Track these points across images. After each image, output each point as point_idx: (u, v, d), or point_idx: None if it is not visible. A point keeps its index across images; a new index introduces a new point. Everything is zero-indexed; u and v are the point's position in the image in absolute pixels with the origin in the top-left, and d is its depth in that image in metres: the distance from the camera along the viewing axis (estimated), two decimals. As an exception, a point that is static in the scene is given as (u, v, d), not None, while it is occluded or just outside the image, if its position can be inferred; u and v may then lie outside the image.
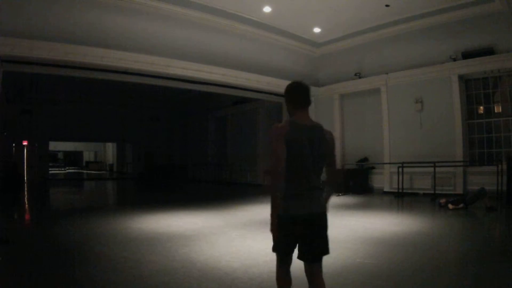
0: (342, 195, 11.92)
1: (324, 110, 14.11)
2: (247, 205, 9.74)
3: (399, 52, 12.09)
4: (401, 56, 12.02)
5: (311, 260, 2.55)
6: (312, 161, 2.47)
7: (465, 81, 10.91)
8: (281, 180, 2.50)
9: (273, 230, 2.54)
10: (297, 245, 2.54)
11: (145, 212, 8.36)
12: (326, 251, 2.57)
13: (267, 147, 2.44)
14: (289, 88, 2.55)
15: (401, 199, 10.50)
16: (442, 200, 8.80)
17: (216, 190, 16.17)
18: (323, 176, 2.63)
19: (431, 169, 10.37)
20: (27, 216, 8.86)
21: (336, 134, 13.62)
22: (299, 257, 2.56)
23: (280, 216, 2.52)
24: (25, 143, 18.98)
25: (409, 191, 11.19)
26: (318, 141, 2.45)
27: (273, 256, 2.79)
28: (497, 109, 10.56)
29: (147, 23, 9.77)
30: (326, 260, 4.32)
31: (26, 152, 19.10)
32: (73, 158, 46.70)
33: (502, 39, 9.88)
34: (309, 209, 2.50)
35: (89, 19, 8.82)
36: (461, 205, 8.32)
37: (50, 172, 25.46)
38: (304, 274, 2.69)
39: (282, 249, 2.59)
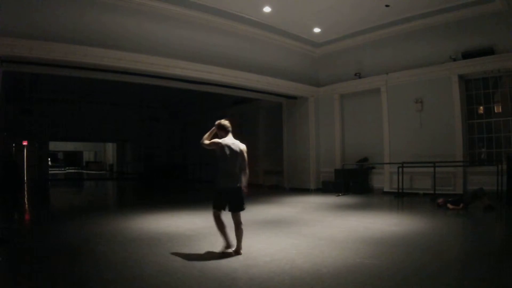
0: (342, 195, 11.92)
1: (324, 110, 14.12)
2: (247, 205, 9.71)
3: (399, 52, 12.09)
4: (401, 56, 12.02)
5: (233, 211, 4.69)
6: (232, 160, 4.62)
7: (465, 81, 10.91)
8: (204, 140, 4.76)
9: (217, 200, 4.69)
10: (226, 204, 4.64)
11: (145, 212, 8.36)
12: (241, 208, 4.71)
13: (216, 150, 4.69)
14: (221, 124, 4.83)
15: (401, 199, 10.50)
16: (440, 200, 8.79)
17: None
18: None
19: (431, 169, 10.37)
20: (27, 216, 8.86)
21: (336, 134, 13.67)
22: (228, 210, 4.68)
23: (216, 188, 4.67)
24: (25, 143, 18.96)
25: (409, 191, 11.19)
26: (236, 150, 4.67)
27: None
28: (497, 109, 10.56)
29: (147, 23, 9.77)
30: (326, 260, 4.35)
31: (26, 152, 19.08)
32: (73, 158, 46.67)
33: (502, 39, 9.88)
34: (230, 184, 4.62)
35: (89, 19, 8.83)
36: (461, 205, 8.32)
37: (50, 172, 25.44)
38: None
39: (217, 206, 4.70)
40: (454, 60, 10.75)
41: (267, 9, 10.85)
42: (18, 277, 3.99)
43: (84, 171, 37.74)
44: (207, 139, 4.71)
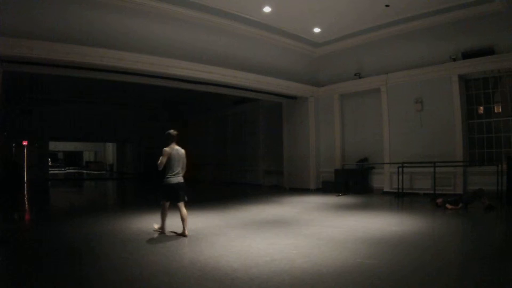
0: (342, 195, 11.92)
1: (324, 110, 14.12)
2: (247, 205, 9.74)
3: (399, 52, 12.09)
4: (401, 56, 12.02)
5: (179, 201, 5.96)
6: (177, 162, 6.00)
7: (465, 81, 10.91)
8: (161, 167, 5.92)
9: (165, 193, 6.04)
10: (174, 196, 5.97)
11: (145, 212, 8.36)
12: (183, 199, 6.02)
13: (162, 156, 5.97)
14: (170, 134, 6.12)
15: (401, 199, 10.50)
16: (439, 200, 8.79)
17: (216, 190, 16.17)
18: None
19: (431, 169, 10.37)
20: (27, 216, 8.85)
21: (336, 134, 13.68)
22: (174, 201, 5.97)
23: (166, 184, 5.96)
24: (25, 143, 18.97)
25: (409, 191, 11.19)
26: (179, 154, 6.04)
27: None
28: (497, 109, 10.56)
29: (148, 23, 9.77)
30: (326, 260, 4.35)
31: (26, 152, 19.09)
32: (73, 158, 46.66)
33: (502, 39, 9.88)
34: (178, 180, 5.98)
35: (89, 19, 8.83)
36: (460, 205, 8.32)
37: (50, 172, 25.44)
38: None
39: (166, 197, 6.02)
40: (454, 60, 10.75)
41: (267, 9, 10.85)
42: (18, 277, 3.99)
43: (84, 171, 37.72)
44: (161, 162, 5.91)
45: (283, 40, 12.98)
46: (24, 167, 18.75)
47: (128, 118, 23.98)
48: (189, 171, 6.26)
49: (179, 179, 6.02)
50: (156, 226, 6.23)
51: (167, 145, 6.01)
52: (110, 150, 36.85)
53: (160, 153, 6.00)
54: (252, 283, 3.63)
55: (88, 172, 36.23)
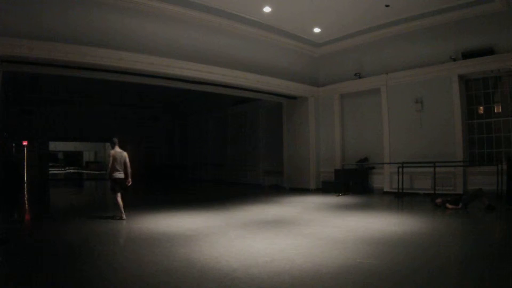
0: (342, 195, 11.92)
1: (324, 110, 14.12)
2: (247, 205, 9.74)
3: (399, 52, 12.09)
4: (401, 56, 12.02)
5: (123, 191, 7.65)
6: (119, 162, 7.64)
7: (465, 81, 10.91)
8: (111, 169, 7.60)
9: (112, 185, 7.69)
10: (117, 188, 7.55)
11: (145, 212, 8.36)
12: (126, 189, 7.78)
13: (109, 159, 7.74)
14: (113, 140, 7.82)
15: (401, 199, 10.49)
16: (438, 200, 8.79)
17: (216, 190, 16.17)
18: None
19: (431, 169, 10.36)
20: (27, 216, 8.85)
21: (336, 134, 13.68)
22: (118, 191, 7.54)
23: (113, 178, 7.59)
24: (25, 143, 18.97)
25: (409, 191, 11.19)
26: (121, 156, 7.72)
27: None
28: (497, 109, 10.56)
29: (147, 23, 9.77)
30: (326, 260, 4.35)
31: (26, 152, 19.09)
32: (73, 158, 46.63)
33: (502, 39, 9.89)
34: (118, 176, 7.61)
35: (89, 19, 8.83)
36: (460, 205, 8.32)
37: (50, 172, 25.43)
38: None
39: (114, 190, 7.58)
40: (454, 60, 10.75)
41: (267, 9, 10.85)
42: (18, 277, 3.99)
43: (84, 171, 37.70)
44: (111, 164, 7.61)
45: (283, 40, 12.98)
46: (24, 167, 18.76)
47: (128, 118, 23.96)
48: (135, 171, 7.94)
49: (121, 175, 7.67)
50: (120, 216, 7.48)
51: (112, 149, 7.76)
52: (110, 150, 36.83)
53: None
54: (252, 283, 3.63)
55: (88, 172, 36.21)
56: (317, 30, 12.63)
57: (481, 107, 10.78)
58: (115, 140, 7.87)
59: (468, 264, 4.39)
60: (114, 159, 7.61)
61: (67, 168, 43.65)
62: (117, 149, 7.75)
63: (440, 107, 11.00)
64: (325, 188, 13.25)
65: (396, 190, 10.95)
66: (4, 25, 7.64)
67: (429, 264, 4.25)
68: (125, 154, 7.76)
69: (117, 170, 7.60)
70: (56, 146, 34.77)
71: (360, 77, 13.02)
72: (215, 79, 11.20)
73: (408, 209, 9.08)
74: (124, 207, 7.51)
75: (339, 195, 11.84)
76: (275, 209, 9.09)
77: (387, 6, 10.55)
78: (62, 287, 3.68)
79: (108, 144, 41.16)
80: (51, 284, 3.75)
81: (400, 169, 10.70)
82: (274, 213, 8.40)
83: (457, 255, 4.95)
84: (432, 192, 10.31)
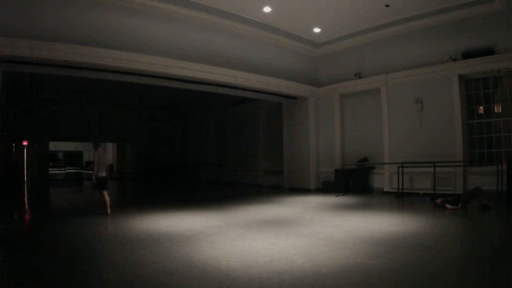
0: (342, 195, 11.92)
1: (324, 110, 14.12)
2: (247, 205, 9.74)
3: (399, 52, 12.09)
4: (401, 56, 12.02)
5: (102, 190, 8.23)
6: (103, 162, 8.57)
7: (465, 81, 10.91)
8: (97, 169, 8.32)
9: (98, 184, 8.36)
10: (100, 186, 8.33)
11: (145, 212, 8.37)
12: (106, 188, 8.30)
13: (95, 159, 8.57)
14: (98, 141, 8.71)
15: (401, 199, 10.50)
16: (438, 200, 8.80)
17: (216, 190, 16.17)
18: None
19: (431, 169, 10.36)
20: (27, 216, 8.86)
21: (336, 134, 13.68)
22: (101, 190, 8.26)
23: (99, 177, 8.25)
24: (25, 143, 18.97)
25: (409, 191, 11.18)
26: (105, 156, 8.84)
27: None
28: (497, 109, 10.56)
29: (147, 23, 9.77)
30: (326, 260, 4.35)
31: (26, 152, 19.09)
32: (73, 158, 46.66)
33: (502, 39, 9.88)
34: (101, 175, 8.28)
35: (89, 19, 8.82)
36: (460, 205, 8.32)
37: (50, 172, 25.43)
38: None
39: (100, 187, 8.26)
40: (454, 60, 10.75)
41: (267, 9, 10.85)
42: (18, 277, 3.99)
43: (84, 171, 37.71)
44: (96, 164, 8.39)
45: (283, 40, 12.97)
46: (24, 167, 18.75)
47: (128, 118, 23.98)
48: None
49: (103, 174, 8.40)
50: (106, 211, 8.00)
51: (95, 150, 8.49)
52: (110, 150, 36.86)
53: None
54: (252, 283, 3.63)
55: (88, 172, 36.21)
56: (317, 30, 12.62)
57: (481, 107, 10.78)
58: (99, 142, 8.72)
59: (468, 264, 4.40)
60: (99, 160, 8.38)
61: (67, 168, 43.67)
62: (100, 150, 8.52)
63: (440, 107, 11.00)
64: (325, 188, 13.25)
65: (396, 190, 10.95)
66: (4, 25, 7.63)
67: (429, 264, 4.25)
68: (106, 154, 8.92)
69: (102, 170, 8.35)
70: (56, 146, 34.80)
71: (360, 77, 13.02)
72: (215, 79, 11.19)
73: (408, 209, 9.07)
74: (113, 205, 8.30)
75: (339, 195, 11.84)
76: (275, 209, 9.09)
77: (387, 6, 10.55)
78: (62, 287, 3.68)
79: (108, 144, 40.90)
80: (51, 284, 3.75)
81: (400, 169, 10.70)
82: (274, 213, 8.40)
83: (457, 255, 4.95)
84: (432, 192, 10.32)
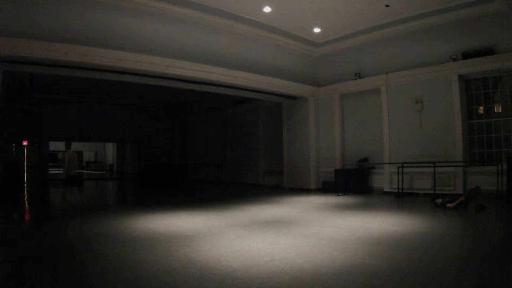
0: (342, 195, 11.92)
1: (324, 110, 14.12)
2: (247, 205, 9.74)
3: (399, 52, 12.09)
4: (401, 56, 12.02)
5: (78, 186, 10.57)
6: (73, 162, 9.81)
7: (465, 81, 10.91)
8: (68, 167, 9.74)
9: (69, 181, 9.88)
10: (71, 183, 9.88)
11: (145, 212, 8.36)
12: (82, 186, 13.46)
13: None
14: (66, 143, 10.37)
15: (401, 199, 10.49)
16: (438, 200, 8.80)
17: (216, 190, 16.17)
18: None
19: (431, 169, 10.36)
20: (27, 216, 8.85)
21: (336, 134, 13.68)
22: (75, 186, 10.14)
23: (68, 175, 9.65)
24: (25, 143, 18.94)
25: (409, 191, 11.19)
26: (74, 156, 9.89)
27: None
28: (497, 109, 10.56)
29: (148, 23, 9.77)
30: (326, 260, 4.34)
31: (26, 152, 19.07)
32: (73, 158, 46.65)
33: (502, 39, 9.88)
34: (72, 173, 9.75)
35: (88, 19, 8.83)
36: (459, 200, 8.32)
37: (50, 172, 25.43)
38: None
39: (70, 183, 9.76)
40: (454, 60, 10.75)
41: (267, 9, 10.85)
42: (18, 277, 3.99)
43: (84, 171, 37.71)
44: (68, 163, 9.57)
45: (283, 40, 12.97)
46: (24, 167, 18.73)
47: (128, 118, 23.97)
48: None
49: (74, 172, 9.57)
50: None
51: (66, 151, 9.60)
52: (110, 150, 36.86)
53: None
54: (252, 283, 3.63)
55: (88, 172, 36.22)
56: (317, 30, 12.63)
57: (481, 107, 10.78)
58: (68, 143, 9.97)
59: (468, 264, 4.40)
60: (69, 159, 9.41)
61: (67, 168, 43.54)
62: (70, 151, 9.53)
63: (440, 107, 11.00)
64: (325, 188, 13.25)
65: (396, 190, 10.95)
66: (4, 25, 7.63)
67: (429, 264, 4.25)
68: (76, 154, 9.90)
69: (73, 168, 9.48)
70: (56, 146, 34.77)
71: (360, 77, 13.02)
72: (215, 79, 11.19)
73: (408, 209, 9.07)
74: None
75: (339, 195, 11.84)
76: (275, 209, 9.09)
77: (387, 6, 10.56)
78: (62, 287, 3.68)
79: (108, 144, 40.88)
80: (51, 284, 3.75)
81: (400, 169, 10.70)
82: (274, 213, 8.40)
83: (457, 255, 4.95)
84: (432, 192, 10.32)
